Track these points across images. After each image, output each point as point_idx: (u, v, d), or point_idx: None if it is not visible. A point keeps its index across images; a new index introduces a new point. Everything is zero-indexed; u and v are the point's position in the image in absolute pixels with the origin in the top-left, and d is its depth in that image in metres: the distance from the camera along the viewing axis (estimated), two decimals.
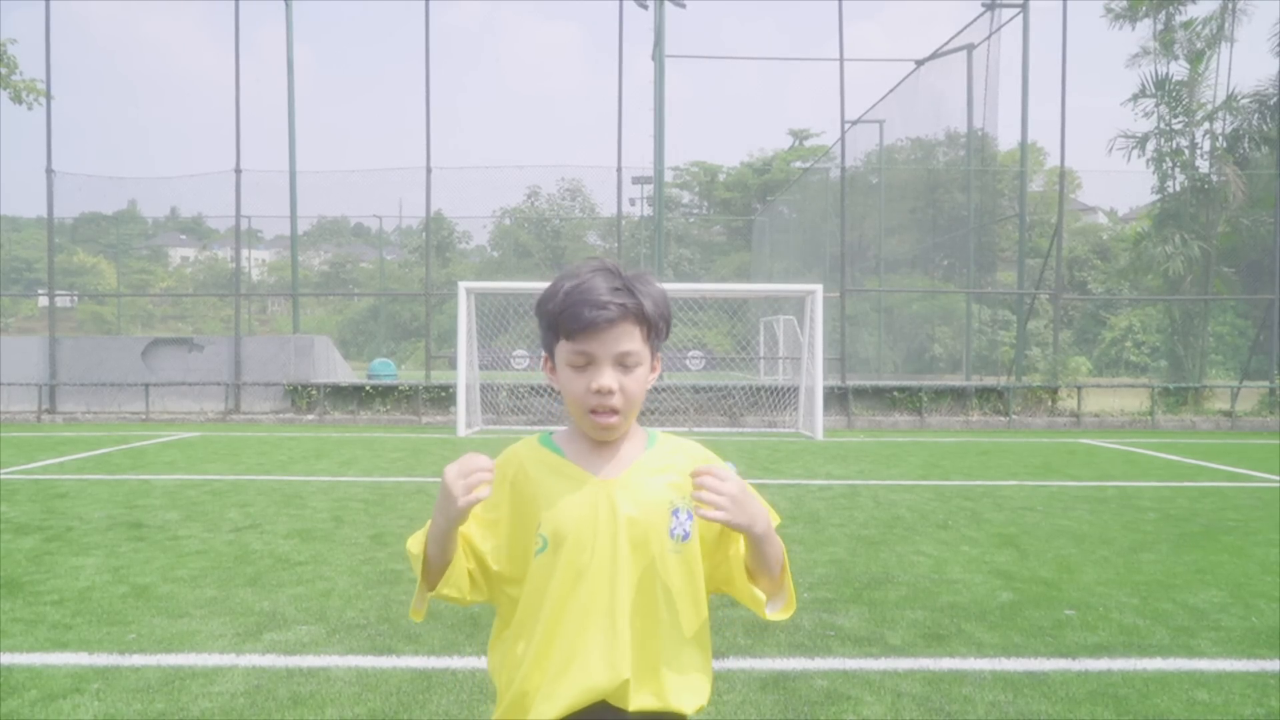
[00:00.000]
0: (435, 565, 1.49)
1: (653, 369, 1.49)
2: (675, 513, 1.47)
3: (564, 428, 1.57)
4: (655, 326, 1.45)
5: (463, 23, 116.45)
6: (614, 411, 1.43)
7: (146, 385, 17.17)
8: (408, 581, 5.18)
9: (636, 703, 1.42)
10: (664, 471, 1.50)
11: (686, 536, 1.47)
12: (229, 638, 4.18)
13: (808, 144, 48.50)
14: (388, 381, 17.95)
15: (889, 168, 25.85)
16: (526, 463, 1.52)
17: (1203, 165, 20.23)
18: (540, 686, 1.42)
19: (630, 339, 1.42)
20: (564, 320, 1.42)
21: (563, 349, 1.45)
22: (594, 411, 1.43)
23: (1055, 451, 12.37)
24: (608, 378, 1.41)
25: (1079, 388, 17.61)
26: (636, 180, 24.74)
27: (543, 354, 1.54)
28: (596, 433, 1.46)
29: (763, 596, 1.51)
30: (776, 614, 1.52)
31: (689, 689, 1.47)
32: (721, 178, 50.92)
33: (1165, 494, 8.52)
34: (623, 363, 1.42)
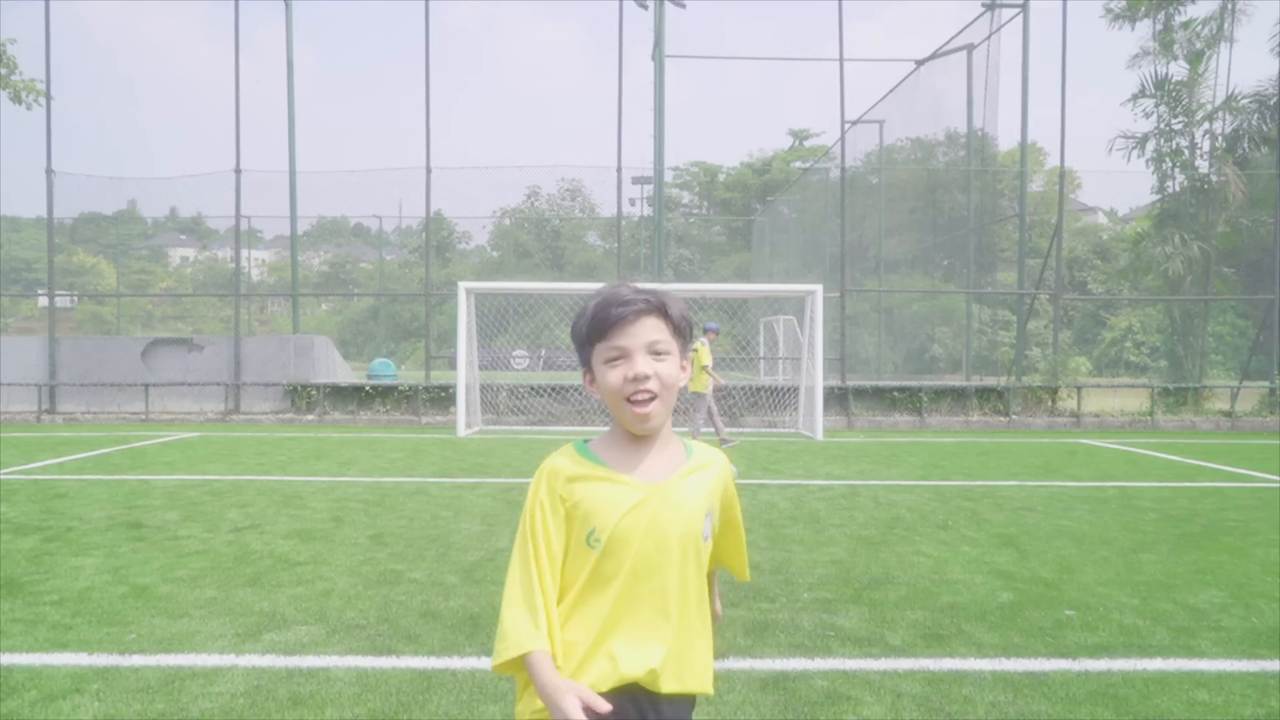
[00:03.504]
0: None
1: (682, 368, 1.60)
2: (707, 516, 1.63)
3: (597, 437, 1.66)
4: (678, 325, 1.58)
5: (462, 22, 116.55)
6: (651, 397, 1.53)
7: (146, 385, 17.17)
8: (407, 581, 5.18)
9: (668, 686, 1.56)
10: (701, 476, 1.64)
11: (708, 537, 1.64)
12: (229, 638, 4.18)
13: (808, 144, 48.52)
14: (388, 382, 17.95)
15: (889, 168, 25.85)
16: (570, 472, 1.59)
17: (1202, 165, 20.25)
18: (589, 668, 1.53)
19: (657, 329, 1.54)
20: (594, 324, 1.55)
21: (598, 352, 1.57)
22: (632, 400, 1.53)
23: (1055, 451, 12.37)
24: (642, 364, 1.52)
25: (1079, 388, 17.61)
26: (636, 180, 24.75)
27: (583, 370, 1.66)
28: (636, 424, 1.55)
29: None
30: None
31: (708, 671, 1.63)
32: (721, 178, 50.93)
33: (1165, 494, 8.52)
34: (654, 350, 1.54)
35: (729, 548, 1.82)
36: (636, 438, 1.60)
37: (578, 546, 1.56)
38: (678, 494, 1.58)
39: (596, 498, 1.55)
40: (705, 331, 12.69)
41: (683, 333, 1.60)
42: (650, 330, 1.54)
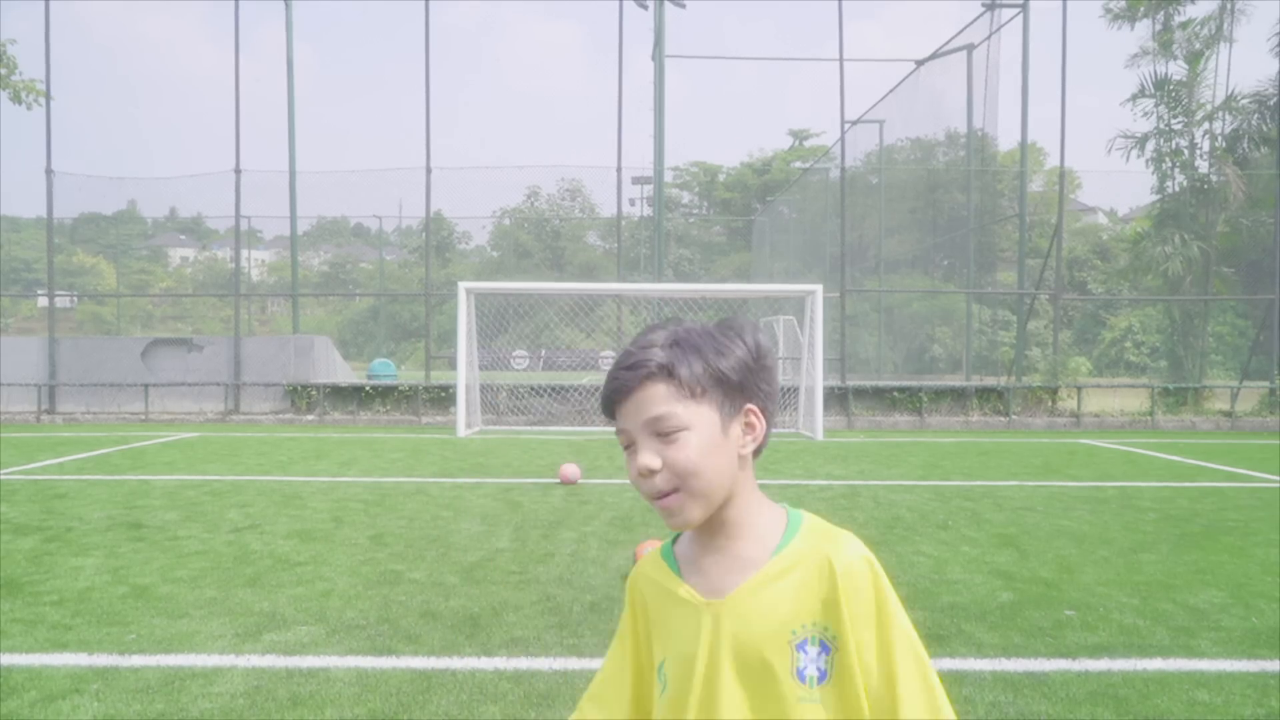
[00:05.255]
0: None
1: (745, 426, 1.17)
2: (801, 647, 1.10)
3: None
4: (692, 387, 1.13)
5: (462, 23, 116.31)
6: (664, 493, 1.14)
7: (146, 385, 17.17)
8: (407, 581, 5.18)
9: None
10: (788, 582, 1.13)
11: (824, 678, 1.09)
12: (229, 638, 4.18)
13: (808, 144, 48.54)
14: (387, 382, 17.95)
15: (889, 168, 25.86)
16: (645, 585, 1.25)
17: (1202, 165, 20.26)
18: None
19: (659, 401, 1.13)
20: (601, 403, 1.21)
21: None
22: (652, 499, 1.16)
23: (1055, 451, 12.37)
24: (644, 455, 1.14)
25: (1079, 388, 17.61)
26: (636, 180, 24.76)
27: None
28: (670, 524, 1.17)
29: None
30: None
31: None
32: (721, 178, 50.98)
33: (1165, 494, 8.52)
34: (658, 430, 1.13)
35: (879, 704, 1.10)
36: (703, 532, 1.19)
37: (653, 679, 1.22)
38: (737, 614, 1.13)
39: (663, 617, 1.20)
40: None
41: (705, 390, 1.14)
42: (652, 404, 1.13)
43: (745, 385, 1.17)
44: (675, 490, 1.13)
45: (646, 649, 1.23)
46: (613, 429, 1.20)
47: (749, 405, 1.17)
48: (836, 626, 1.10)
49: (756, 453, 1.19)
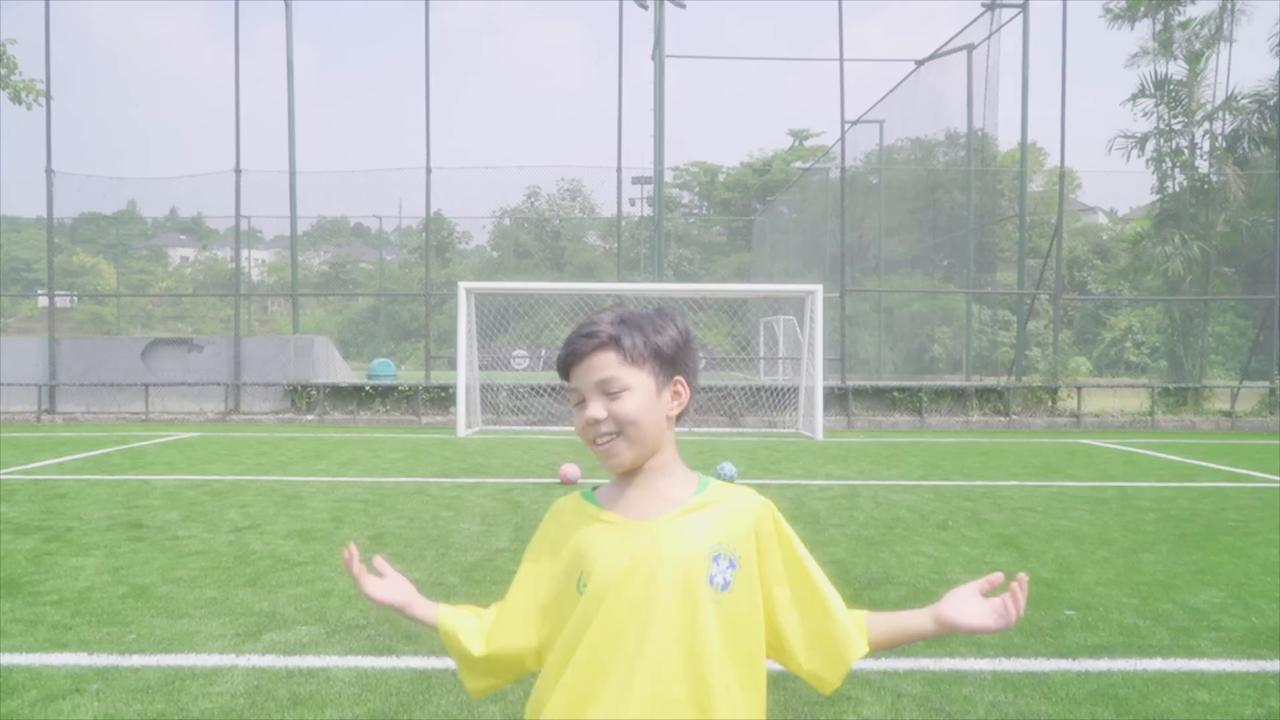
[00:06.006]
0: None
1: (673, 394, 1.46)
2: (716, 559, 1.40)
3: (608, 482, 1.56)
4: (631, 355, 1.41)
5: (462, 22, 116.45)
6: (609, 437, 1.42)
7: (146, 385, 17.17)
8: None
9: None
10: (707, 514, 1.44)
11: (726, 586, 1.40)
12: (229, 638, 4.18)
13: (808, 144, 48.53)
14: (387, 382, 17.95)
15: (889, 168, 25.86)
16: (565, 516, 1.52)
17: (1202, 165, 20.26)
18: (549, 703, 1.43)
19: (607, 366, 1.41)
20: (558, 365, 1.48)
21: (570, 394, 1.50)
22: (594, 443, 1.44)
23: (1055, 452, 12.37)
24: (592, 408, 1.41)
25: (1079, 388, 17.62)
26: (636, 180, 24.78)
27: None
28: (606, 465, 1.45)
29: (822, 673, 1.48)
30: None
31: None
32: (721, 178, 50.95)
33: (1165, 494, 8.52)
34: (605, 390, 1.41)
35: (787, 625, 1.47)
36: (630, 476, 1.47)
37: (569, 591, 1.46)
38: (668, 532, 1.41)
39: (586, 539, 1.45)
40: None
41: (644, 359, 1.42)
42: (600, 368, 1.41)
43: (676, 360, 1.46)
44: (616, 435, 1.42)
45: (562, 567, 1.47)
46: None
47: (677, 376, 1.47)
48: (742, 551, 1.43)
49: (680, 417, 1.48)
